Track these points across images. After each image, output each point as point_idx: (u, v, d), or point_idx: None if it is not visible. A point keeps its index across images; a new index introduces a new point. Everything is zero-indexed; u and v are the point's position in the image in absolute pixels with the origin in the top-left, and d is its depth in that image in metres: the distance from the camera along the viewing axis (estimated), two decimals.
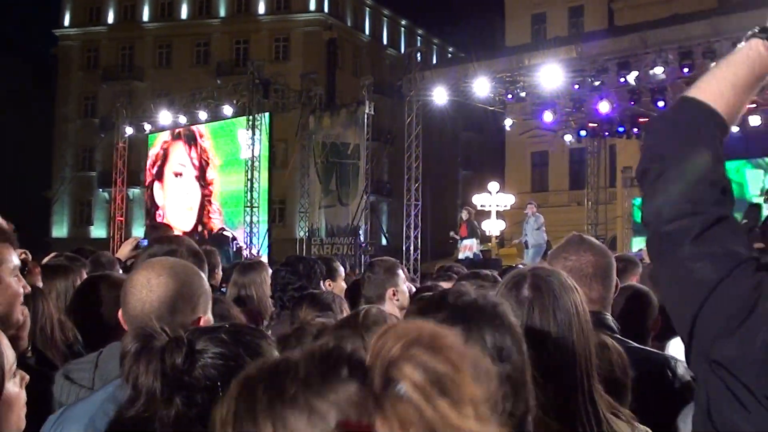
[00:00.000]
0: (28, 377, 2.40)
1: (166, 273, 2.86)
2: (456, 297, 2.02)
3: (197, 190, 34.13)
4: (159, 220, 34.26)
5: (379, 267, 5.81)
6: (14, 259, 3.15)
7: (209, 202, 33.75)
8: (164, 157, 35.54)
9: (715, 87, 2.07)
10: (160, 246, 3.81)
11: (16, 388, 2.31)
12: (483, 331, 1.90)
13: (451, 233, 27.00)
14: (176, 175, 34.88)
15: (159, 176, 35.72)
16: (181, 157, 34.75)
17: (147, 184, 36.58)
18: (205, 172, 33.91)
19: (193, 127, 34.16)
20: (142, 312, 2.79)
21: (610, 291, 3.59)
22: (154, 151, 36.21)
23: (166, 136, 35.61)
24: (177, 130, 34.84)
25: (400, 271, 5.77)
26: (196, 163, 34.15)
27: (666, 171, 1.97)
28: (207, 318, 2.88)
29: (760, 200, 19.40)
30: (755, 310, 1.75)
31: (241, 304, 5.96)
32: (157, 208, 35.55)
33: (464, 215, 24.54)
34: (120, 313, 3.49)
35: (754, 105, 25.73)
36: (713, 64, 2.19)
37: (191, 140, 34.33)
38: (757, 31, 2.11)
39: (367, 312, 2.81)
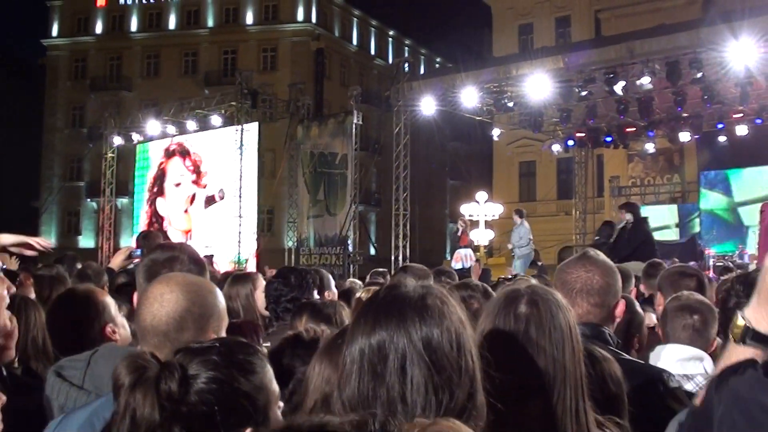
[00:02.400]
0: (4, 399, 2.38)
1: (180, 289, 2.85)
2: (387, 290, 2.04)
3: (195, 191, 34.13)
4: (165, 228, 34.46)
5: (411, 273, 5.89)
6: None
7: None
8: (162, 175, 35.45)
9: None
10: (162, 251, 3.81)
11: None
12: (407, 324, 1.91)
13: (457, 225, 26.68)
14: (176, 185, 34.83)
15: (160, 192, 35.62)
16: (178, 169, 34.71)
17: (149, 200, 36.38)
18: (200, 176, 33.89)
19: (185, 143, 34.22)
20: (151, 325, 2.80)
21: (609, 307, 3.62)
22: (151, 173, 36.11)
23: (159, 154, 35.59)
24: (171, 148, 34.83)
25: (454, 278, 5.81)
26: (192, 168, 34.11)
27: None
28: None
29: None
30: None
31: (229, 316, 5.95)
32: (162, 219, 35.45)
33: (461, 225, 24.50)
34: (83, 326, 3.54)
35: (741, 115, 25.90)
36: None
37: (185, 153, 34.31)
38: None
39: None
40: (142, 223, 36.82)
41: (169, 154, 35.17)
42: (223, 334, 2.91)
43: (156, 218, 35.80)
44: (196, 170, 34.01)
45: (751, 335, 2.09)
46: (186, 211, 34.32)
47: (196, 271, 3.51)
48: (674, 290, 5.12)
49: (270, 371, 2.34)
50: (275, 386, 2.34)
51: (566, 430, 2.42)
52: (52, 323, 4.15)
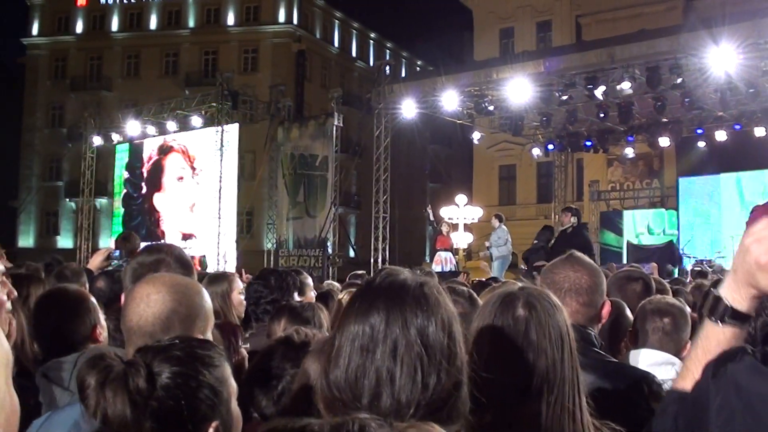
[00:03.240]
0: None
1: (166, 290, 2.85)
2: (382, 278, 2.05)
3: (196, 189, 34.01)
4: (160, 225, 34.36)
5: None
6: None
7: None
8: (160, 170, 35.26)
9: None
10: (149, 254, 3.80)
11: None
12: (404, 312, 1.92)
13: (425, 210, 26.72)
14: (179, 179, 34.65)
15: (157, 186, 35.46)
16: (179, 163, 34.53)
17: (143, 194, 36.12)
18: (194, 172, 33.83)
19: (178, 141, 34.15)
20: (137, 325, 2.80)
21: (597, 307, 3.65)
22: (144, 169, 35.93)
23: (150, 152, 35.43)
24: (168, 144, 34.71)
25: (435, 280, 5.80)
26: (190, 164, 34.00)
27: None
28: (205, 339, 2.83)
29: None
30: None
31: None
32: (158, 214, 35.28)
33: (444, 229, 24.48)
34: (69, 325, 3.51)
35: (720, 120, 26.04)
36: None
37: (183, 150, 34.19)
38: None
39: None
40: (123, 218, 36.65)
41: (165, 150, 34.98)
42: (209, 335, 2.92)
43: (151, 215, 35.66)
44: (193, 167, 33.89)
45: (729, 313, 2.10)
46: (192, 209, 34.05)
47: (182, 272, 3.51)
48: (621, 294, 5.15)
49: (228, 366, 2.35)
50: (233, 380, 2.36)
51: (564, 431, 2.43)
52: (41, 321, 4.09)
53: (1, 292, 3.04)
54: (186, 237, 33.20)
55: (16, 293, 3.23)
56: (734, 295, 2.10)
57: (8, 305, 3.06)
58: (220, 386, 2.26)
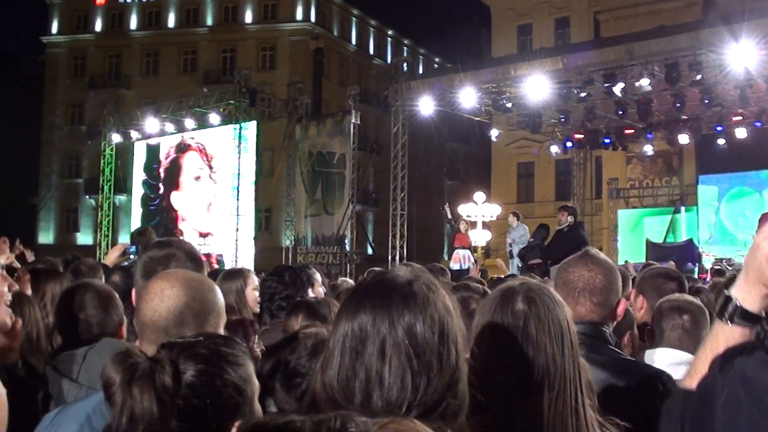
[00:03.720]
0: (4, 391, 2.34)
1: (180, 285, 2.86)
2: (374, 276, 2.04)
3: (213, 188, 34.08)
4: (177, 224, 34.44)
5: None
6: None
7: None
8: (178, 168, 35.35)
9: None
10: (159, 249, 3.78)
11: None
12: (390, 309, 1.91)
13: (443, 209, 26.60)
14: (196, 179, 34.72)
15: (174, 185, 35.55)
16: (197, 162, 34.58)
17: (161, 194, 36.21)
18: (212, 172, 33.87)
19: (196, 140, 34.20)
20: (151, 320, 2.81)
21: (611, 306, 3.61)
22: (161, 168, 36.05)
23: (170, 148, 35.53)
24: (186, 142, 34.78)
25: (448, 277, 5.80)
26: (207, 163, 34.04)
27: None
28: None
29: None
30: None
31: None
32: (175, 213, 35.37)
33: (462, 226, 24.41)
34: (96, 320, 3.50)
35: (740, 117, 25.89)
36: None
37: (200, 148, 34.23)
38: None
39: None
40: (142, 218, 36.73)
41: (183, 148, 35.04)
42: (222, 331, 2.92)
43: (169, 214, 35.74)
44: (210, 166, 33.93)
45: (739, 313, 2.08)
46: (209, 208, 34.09)
47: (193, 267, 3.50)
48: (657, 293, 5.07)
49: (252, 364, 2.35)
50: (256, 379, 2.36)
51: (567, 426, 2.42)
52: (70, 314, 4.06)
53: (1, 284, 3.04)
54: (203, 235, 33.27)
55: (17, 286, 3.21)
56: (745, 295, 2.09)
57: (8, 297, 3.05)
58: (244, 385, 2.25)
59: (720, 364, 1.98)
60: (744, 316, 2.08)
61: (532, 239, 19.81)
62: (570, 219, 18.04)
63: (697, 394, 2.05)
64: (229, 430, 2.11)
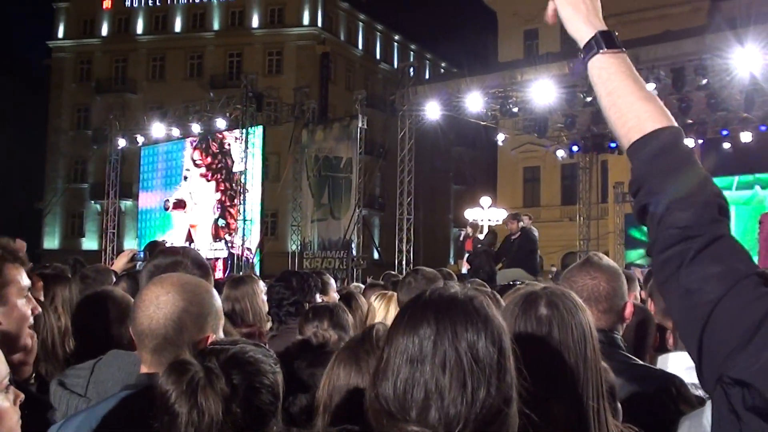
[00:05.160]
0: (23, 396, 2.32)
1: (175, 290, 2.84)
2: (432, 292, 2.03)
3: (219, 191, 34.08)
4: (188, 231, 34.43)
5: (421, 275, 5.97)
6: (23, 279, 3.00)
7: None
8: (186, 171, 35.24)
9: (644, 111, 2.18)
10: (165, 256, 3.79)
11: (6, 403, 2.23)
12: (455, 325, 1.91)
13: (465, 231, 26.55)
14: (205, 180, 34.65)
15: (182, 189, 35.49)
16: (204, 165, 34.50)
17: (168, 198, 35.99)
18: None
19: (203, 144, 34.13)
20: (149, 328, 2.79)
21: (618, 311, 3.62)
22: (170, 170, 35.94)
23: (178, 152, 35.46)
24: (193, 146, 34.74)
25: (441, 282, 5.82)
26: (215, 167, 34.01)
27: (657, 198, 1.99)
28: (215, 337, 2.85)
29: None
30: (764, 323, 1.73)
31: (237, 318, 5.89)
32: (183, 218, 35.26)
33: (470, 231, 24.42)
34: (116, 329, 3.51)
35: (745, 122, 25.86)
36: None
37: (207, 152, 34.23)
38: (587, 50, 2.27)
39: (378, 330, 2.89)
40: (153, 225, 36.68)
41: (191, 152, 34.97)
42: (221, 332, 2.93)
43: (177, 220, 35.61)
44: (217, 169, 33.87)
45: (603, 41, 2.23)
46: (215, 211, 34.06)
47: (199, 275, 3.49)
48: None
49: (281, 371, 2.40)
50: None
51: (592, 429, 2.42)
52: (87, 323, 4.10)
53: (26, 306, 3.03)
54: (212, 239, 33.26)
55: (39, 309, 3.19)
56: (596, 23, 2.28)
57: (31, 320, 3.05)
58: (278, 389, 2.33)
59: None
60: (607, 40, 2.20)
61: (480, 245, 20.01)
62: (520, 225, 18.35)
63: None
64: None
